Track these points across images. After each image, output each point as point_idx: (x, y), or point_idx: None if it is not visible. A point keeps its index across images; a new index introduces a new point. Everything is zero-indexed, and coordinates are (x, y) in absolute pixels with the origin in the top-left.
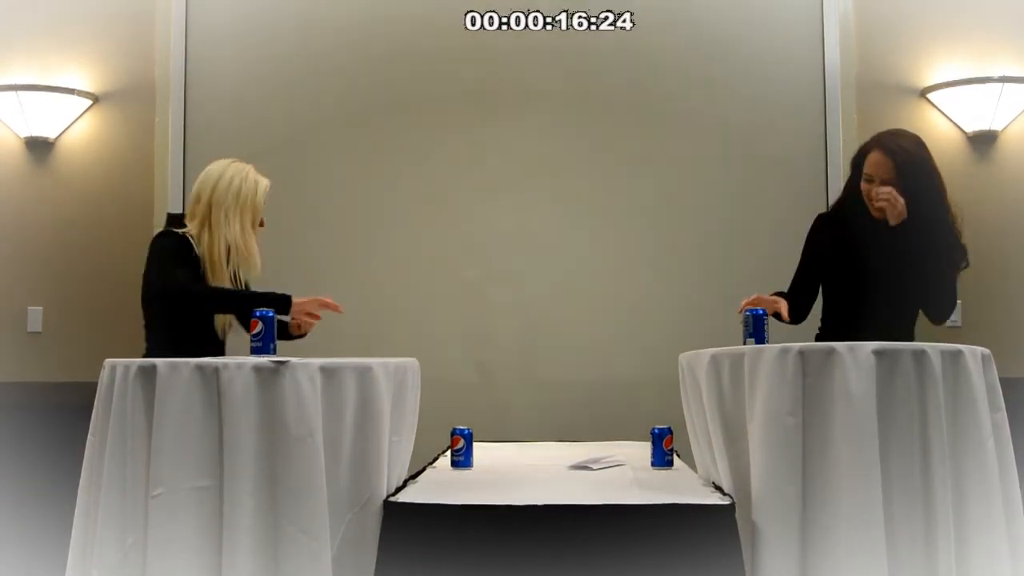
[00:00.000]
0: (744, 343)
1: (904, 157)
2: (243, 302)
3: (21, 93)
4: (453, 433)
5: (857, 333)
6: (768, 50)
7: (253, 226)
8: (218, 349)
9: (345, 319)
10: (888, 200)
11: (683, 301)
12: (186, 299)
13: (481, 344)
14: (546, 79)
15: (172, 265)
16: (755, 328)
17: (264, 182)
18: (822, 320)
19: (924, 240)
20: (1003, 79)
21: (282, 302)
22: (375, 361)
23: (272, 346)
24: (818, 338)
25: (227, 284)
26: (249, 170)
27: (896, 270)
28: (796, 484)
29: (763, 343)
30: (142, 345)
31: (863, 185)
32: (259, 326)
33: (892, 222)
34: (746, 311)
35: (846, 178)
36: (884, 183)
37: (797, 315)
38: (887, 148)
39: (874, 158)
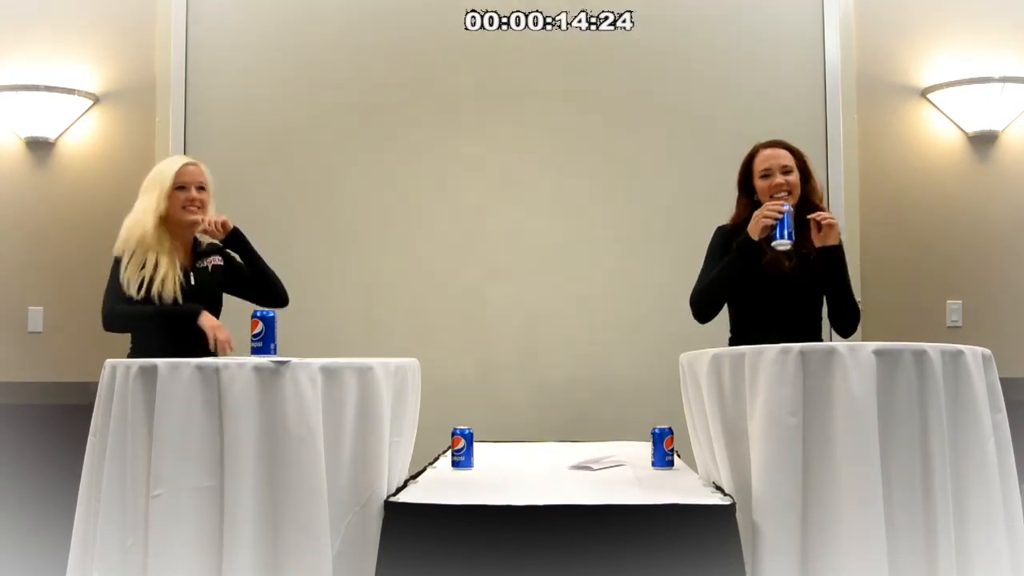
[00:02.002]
0: (774, 242)
1: (794, 148)
2: (157, 319)
3: (21, 93)
4: (453, 433)
5: (769, 336)
6: (768, 50)
7: (162, 199)
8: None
9: (345, 319)
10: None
11: (684, 301)
12: (111, 324)
13: (481, 344)
14: (546, 79)
15: (112, 291)
16: (786, 223)
17: (174, 158)
18: (732, 326)
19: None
20: (1003, 79)
21: (189, 316)
22: (375, 361)
23: (272, 346)
24: (731, 343)
25: (177, 271)
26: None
27: (806, 276)
28: (796, 484)
29: (792, 238)
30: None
31: (760, 183)
32: (259, 326)
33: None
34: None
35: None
36: (784, 171)
37: (707, 316)
38: (775, 144)
39: (767, 153)
